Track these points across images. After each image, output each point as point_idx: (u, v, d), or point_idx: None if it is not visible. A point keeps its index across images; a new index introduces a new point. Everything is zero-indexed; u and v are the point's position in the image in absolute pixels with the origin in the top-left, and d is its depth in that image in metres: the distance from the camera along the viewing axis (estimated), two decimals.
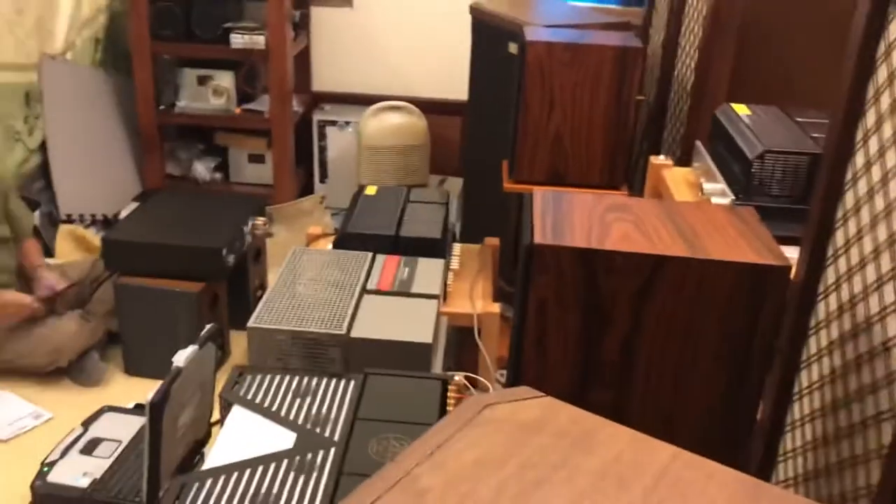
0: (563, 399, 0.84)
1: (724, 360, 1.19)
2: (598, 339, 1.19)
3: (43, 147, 3.32)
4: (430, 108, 3.86)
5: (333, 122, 3.97)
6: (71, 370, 2.66)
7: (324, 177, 4.08)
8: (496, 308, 2.56)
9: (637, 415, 1.19)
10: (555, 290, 1.17)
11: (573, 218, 1.23)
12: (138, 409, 2.31)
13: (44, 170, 3.36)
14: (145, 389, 2.64)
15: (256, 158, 3.88)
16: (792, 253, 1.32)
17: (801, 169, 1.71)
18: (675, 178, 2.12)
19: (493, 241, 2.98)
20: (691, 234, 1.22)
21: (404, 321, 1.97)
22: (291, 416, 1.56)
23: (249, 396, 1.62)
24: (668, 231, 1.22)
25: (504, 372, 2.77)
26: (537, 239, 1.15)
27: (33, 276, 2.69)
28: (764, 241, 1.22)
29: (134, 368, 2.72)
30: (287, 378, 1.67)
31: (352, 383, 1.65)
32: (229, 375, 1.70)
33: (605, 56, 2.43)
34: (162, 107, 3.69)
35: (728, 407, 1.21)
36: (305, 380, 1.66)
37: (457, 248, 2.74)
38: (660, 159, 2.20)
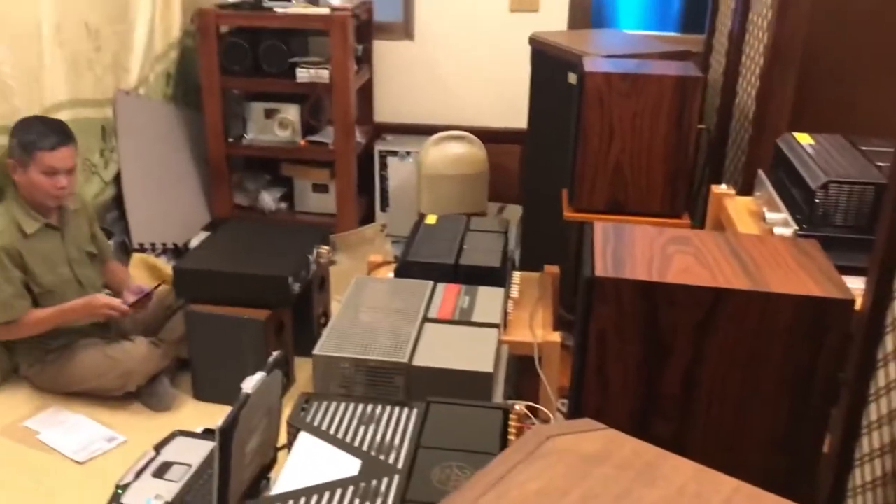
0: (624, 431, 0.86)
1: (786, 393, 1.18)
2: (659, 370, 1.19)
3: (117, 179, 3.47)
4: (489, 136, 3.91)
5: (395, 153, 4.05)
6: (142, 395, 2.76)
7: (385, 206, 4.16)
8: (557, 337, 2.57)
9: (698, 447, 1.19)
10: (615, 321, 1.18)
11: (634, 250, 1.25)
12: (207, 433, 2.38)
13: (117, 201, 3.50)
14: (213, 414, 2.73)
15: (320, 188, 3.97)
16: (857, 284, 1.31)
17: (865, 198, 1.70)
18: (737, 208, 2.11)
19: (552, 270, 2.99)
20: (752, 267, 1.22)
21: (465, 350, 1.99)
22: (356, 443, 1.60)
23: (316, 423, 1.66)
24: (728, 263, 1.23)
25: (565, 401, 2.77)
26: (598, 271, 1.17)
27: (122, 287, 2.83)
28: (826, 273, 1.21)
29: (202, 394, 2.80)
30: (352, 405, 1.71)
31: (414, 411, 1.68)
32: (296, 402, 1.75)
33: (665, 86, 2.45)
34: (230, 139, 3.81)
35: (791, 440, 1.20)
36: (369, 407, 1.70)
37: (516, 276, 2.76)
38: (721, 188, 2.20)
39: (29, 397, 2.79)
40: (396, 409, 1.69)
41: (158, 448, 2.25)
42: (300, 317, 2.96)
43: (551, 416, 2.61)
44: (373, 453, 1.56)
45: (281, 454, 2.17)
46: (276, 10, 3.58)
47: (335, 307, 3.28)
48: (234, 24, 3.69)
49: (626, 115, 2.48)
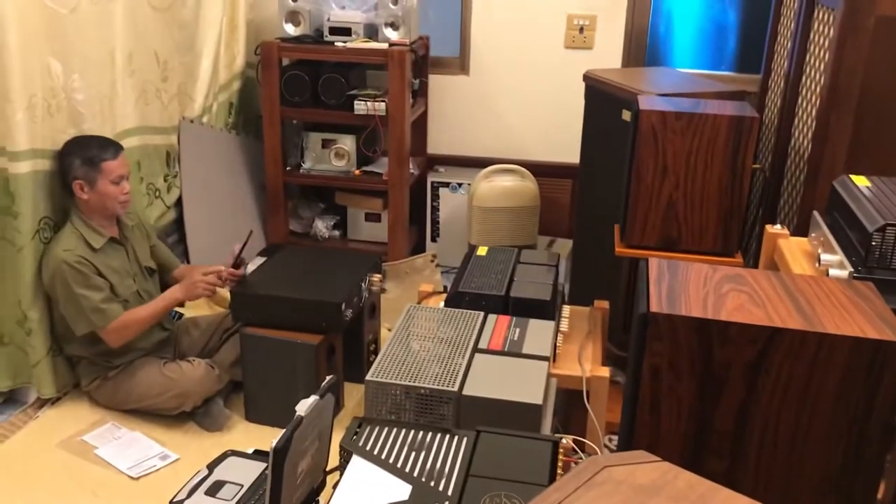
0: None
1: (840, 436, 1.18)
2: (712, 408, 1.21)
3: (178, 203, 3.58)
4: (541, 170, 3.95)
5: (447, 184, 4.11)
6: (196, 415, 2.83)
7: (435, 236, 4.21)
8: (605, 372, 2.57)
9: (749, 486, 1.20)
10: (669, 357, 1.20)
11: (688, 286, 1.27)
12: (258, 454, 2.43)
13: (178, 224, 3.62)
14: (264, 436, 2.80)
15: (373, 217, 4.05)
16: None
17: None
18: (792, 248, 2.11)
19: (602, 304, 3.00)
20: (807, 307, 1.23)
21: (515, 381, 2.02)
22: (407, 469, 1.63)
23: (368, 447, 1.70)
24: (783, 303, 1.24)
25: (612, 437, 2.77)
26: (653, 307, 1.20)
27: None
28: (882, 315, 1.22)
29: (254, 416, 2.86)
30: (403, 431, 1.75)
31: (465, 440, 1.71)
32: (349, 426, 1.79)
33: (720, 125, 2.46)
34: (288, 167, 3.91)
35: (844, 483, 1.20)
36: (420, 434, 1.73)
37: (566, 309, 2.78)
38: (776, 228, 2.19)
39: (88, 412, 2.88)
40: (447, 437, 1.72)
41: (211, 467, 2.30)
42: (350, 343, 3.01)
43: (598, 450, 2.61)
44: (423, 479, 1.59)
45: (329, 478, 2.21)
46: (336, 44, 3.68)
47: (384, 335, 3.33)
48: (296, 56, 3.81)
49: (680, 153, 2.50)
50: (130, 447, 2.71)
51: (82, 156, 2.69)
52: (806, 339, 1.15)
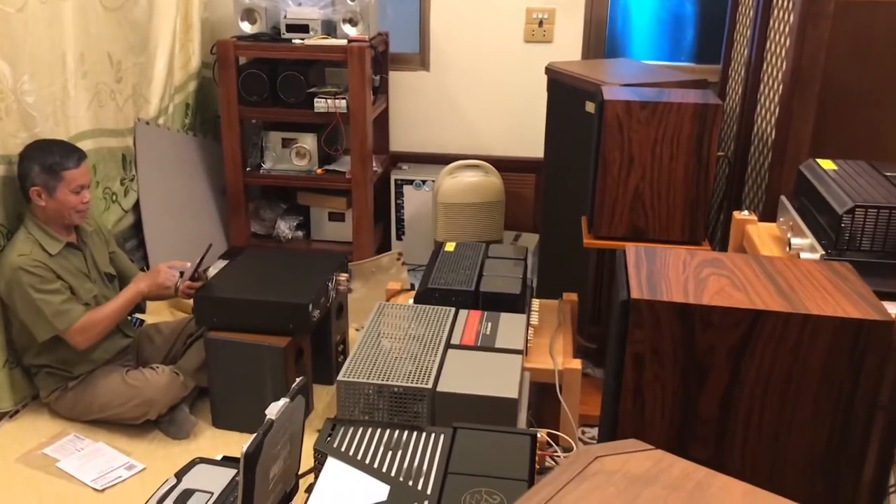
0: None
1: (825, 417, 1.17)
2: (696, 394, 1.19)
3: (136, 207, 3.49)
4: (504, 166, 3.93)
5: (410, 181, 4.07)
6: (161, 422, 2.75)
7: (400, 234, 4.17)
8: (578, 364, 2.56)
9: (736, 472, 1.18)
10: (651, 344, 1.18)
11: (668, 272, 1.25)
12: (227, 461, 2.37)
13: (136, 229, 3.53)
14: (232, 442, 2.73)
15: (336, 217, 3.99)
16: (889, 308, 1.31)
17: (893, 223, 1.70)
18: (760, 234, 2.11)
19: (571, 297, 2.99)
20: (788, 289, 1.22)
21: (490, 376, 1.99)
22: (384, 469, 1.59)
23: (343, 448, 1.66)
24: (764, 286, 1.23)
25: (586, 429, 2.75)
26: (633, 294, 1.17)
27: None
28: (863, 295, 1.21)
29: (221, 421, 2.79)
30: (378, 430, 1.71)
31: (441, 437, 1.67)
32: (322, 427, 1.74)
33: (684, 113, 2.46)
34: (248, 168, 3.84)
35: (830, 464, 1.19)
36: (396, 433, 1.69)
37: (535, 303, 2.76)
38: (743, 214, 2.20)
39: (48, 424, 2.79)
40: (423, 435, 1.68)
41: (179, 475, 2.23)
42: (318, 344, 2.96)
43: (573, 443, 2.59)
44: (401, 479, 1.55)
45: (302, 482, 2.16)
46: (294, 41, 3.62)
47: (352, 335, 3.28)
48: (253, 55, 3.74)
49: (645, 143, 2.49)
50: (94, 458, 2.62)
51: (42, 162, 2.60)
52: (790, 321, 1.14)
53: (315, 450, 1.67)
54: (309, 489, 2.36)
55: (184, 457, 2.59)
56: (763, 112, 2.75)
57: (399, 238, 4.18)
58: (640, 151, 2.50)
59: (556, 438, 2.43)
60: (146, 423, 2.75)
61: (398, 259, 3.91)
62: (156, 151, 3.56)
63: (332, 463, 1.62)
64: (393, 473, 1.57)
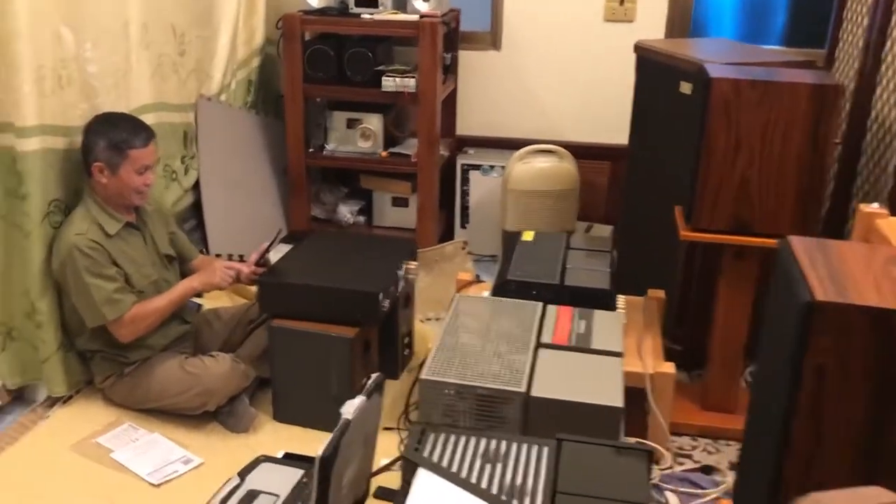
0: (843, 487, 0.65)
1: None
2: (892, 416, 0.98)
3: (196, 187, 3.35)
4: (576, 151, 3.71)
5: (477, 167, 3.87)
6: (220, 414, 2.60)
7: (465, 222, 3.97)
8: (670, 368, 2.35)
9: None
10: (838, 355, 0.97)
11: (852, 271, 1.04)
12: (290, 459, 2.20)
13: (195, 209, 3.38)
14: (294, 437, 2.57)
15: (400, 202, 3.82)
16: None
17: None
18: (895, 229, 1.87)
19: (657, 294, 2.78)
20: None
21: (589, 381, 1.79)
22: (483, 484, 1.40)
23: (435, 458, 1.47)
24: None
25: (674, 438, 2.54)
26: (819, 296, 0.96)
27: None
28: None
29: (282, 415, 2.63)
30: (473, 439, 1.52)
31: (545, 450, 1.48)
32: (410, 433, 1.56)
33: (800, 94, 2.23)
34: (311, 149, 3.68)
35: None
36: (493, 443, 1.51)
37: (621, 300, 2.55)
38: (872, 207, 1.96)
39: (102, 412, 2.66)
40: (524, 447, 1.49)
41: (243, 474, 2.07)
42: (384, 336, 2.78)
43: (664, 453, 2.38)
44: (503, 497, 1.37)
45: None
46: (362, 16, 3.45)
47: (418, 327, 3.10)
48: (320, 30, 3.57)
49: (755, 126, 2.26)
50: (150, 450, 2.48)
51: (108, 137, 2.45)
52: None
53: (404, 459, 1.49)
54: (380, 493, 2.20)
55: (243, 451, 2.45)
56: (884, 95, 2.50)
57: (463, 226, 3.99)
58: (748, 135, 2.27)
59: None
60: (204, 414, 2.60)
61: (463, 248, 3.73)
62: (217, 129, 3.42)
63: (423, 475, 1.44)
64: (494, 490, 1.38)
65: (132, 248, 2.56)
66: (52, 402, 2.68)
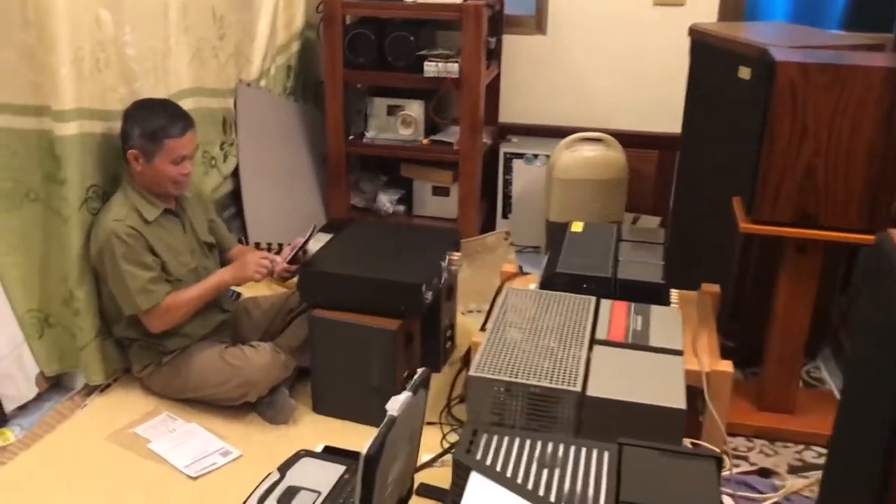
0: None
1: None
2: None
3: (235, 174, 3.29)
4: (623, 140, 3.58)
5: (521, 155, 3.76)
6: (260, 406, 2.54)
7: (507, 212, 3.88)
8: (728, 366, 2.24)
9: None
10: None
11: None
12: (330, 453, 2.14)
13: (234, 197, 3.33)
14: (333, 430, 2.50)
15: (441, 191, 3.73)
16: None
17: None
18: None
19: (711, 288, 2.65)
20: None
21: (649, 381, 1.69)
22: (540, 491, 1.31)
23: (488, 462, 1.39)
24: None
25: (730, 439, 2.43)
26: None
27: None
28: None
29: (322, 407, 2.57)
30: (528, 441, 1.43)
31: (605, 455, 1.39)
32: (462, 434, 1.48)
33: (873, 79, 2.09)
34: (351, 136, 3.60)
35: None
36: (550, 446, 1.42)
37: (674, 294, 2.44)
38: None
39: (140, 401, 2.61)
40: (583, 451, 1.40)
41: (283, 470, 2.01)
42: (426, 328, 2.69)
43: (721, 456, 2.27)
44: None
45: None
46: None
47: (460, 319, 3.02)
48: (360, 13, 3.49)
49: (823, 113, 2.14)
50: (187, 441, 2.43)
51: (144, 125, 2.38)
52: None
53: (455, 462, 1.40)
54: (422, 491, 2.12)
55: (282, 444, 2.39)
56: None
57: (505, 216, 3.89)
58: (815, 122, 2.15)
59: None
60: (243, 405, 2.55)
61: (505, 239, 3.63)
62: (256, 115, 3.35)
63: (476, 480, 1.35)
64: (552, 498, 1.29)
65: (171, 235, 2.50)
66: (89, 390, 2.64)
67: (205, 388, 2.50)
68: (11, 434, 2.46)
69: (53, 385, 2.66)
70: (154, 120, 2.39)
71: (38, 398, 2.60)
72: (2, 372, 2.46)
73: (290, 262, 2.57)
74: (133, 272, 2.37)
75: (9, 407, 2.50)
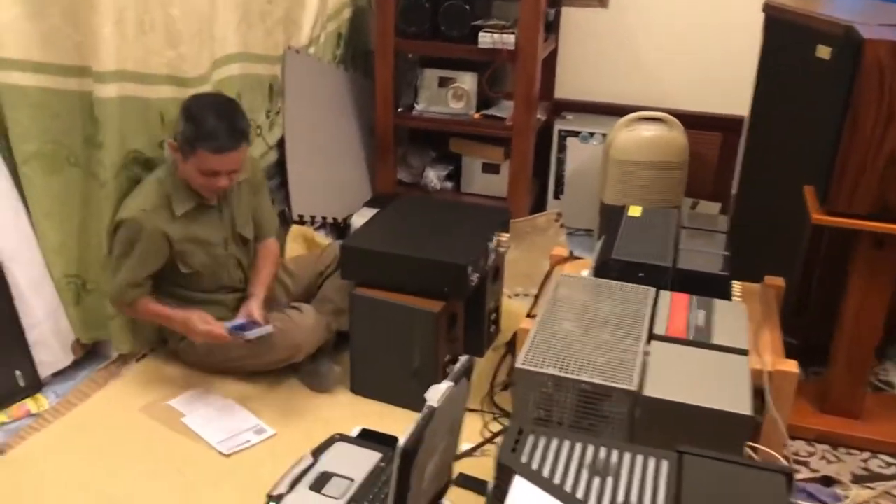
0: None
1: None
2: None
3: (280, 144, 3.20)
4: (686, 121, 3.41)
5: (576, 133, 3.61)
6: (303, 373, 2.49)
7: (559, 192, 3.74)
8: (793, 366, 2.09)
9: None
10: None
11: None
12: (366, 437, 2.05)
13: (279, 167, 3.24)
14: (370, 412, 2.40)
15: (491, 168, 3.60)
16: None
17: None
18: None
19: (775, 281, 2.49)
20: None
21: (712, 382, 1.56)
22: (591, 501, 1.20)
23: (535, 466, 1.27)
24: None
25: (790, 443, 2.29)
26: None
27: (260, 274, 2.55)
28: None
29: (360, 387, 2.48)
30: (578, 445, 1.32)
31: (664, 464, 1.27)
32: (507, 434, 1.37)
33: None
34: (400, 108, 3.49)
35: None
36: (602, 451, 1.30)
37: (736, 286, 2.29)
38: None
39: (175, 373, 2.56)
40: (639, 458, 1.28)
41: (316, 454, 1.92)
42: (470, 311, 2.59)
43: (781, 460, 2.13)
44: None
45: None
46: None
47: (505, 303, 2.90)
48: None
49: None
50: (222, 417, 2.37)
51: (189, 125, 2.25)
52: None
53: (499, 464, 1.29)
54: (461, 482, 2.03)
55: (318, 424, 2.32)
56: None
57: (556, 197, 3.75)
58: None
59: (755, 453, 1.99)
60: (277, 381, 2.48)
61: (556, 220, 3.50)
62: (305, 83, 3.25)
63: (520, 484, 1.24)
64: None
65: (201, 226, 2.41)
66: (125, 359, 2.60)
67: (249, 357, 2.43)
68: (46, 401, 2.42)
69: (89, 353, 2.62)
70: (198, 126, 2.25)
71: (74, 365, 2.57)
72: (37, 338, 2.42)
73: (248, 341, 2.36)
74: (130, 265, 2.33)
75: (44, 373, 2.47)
